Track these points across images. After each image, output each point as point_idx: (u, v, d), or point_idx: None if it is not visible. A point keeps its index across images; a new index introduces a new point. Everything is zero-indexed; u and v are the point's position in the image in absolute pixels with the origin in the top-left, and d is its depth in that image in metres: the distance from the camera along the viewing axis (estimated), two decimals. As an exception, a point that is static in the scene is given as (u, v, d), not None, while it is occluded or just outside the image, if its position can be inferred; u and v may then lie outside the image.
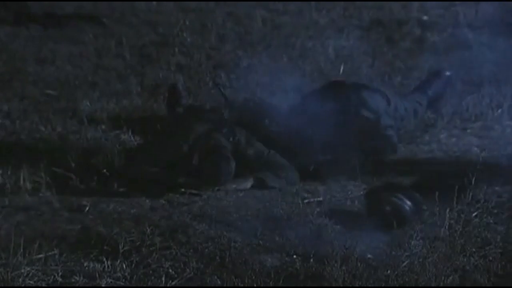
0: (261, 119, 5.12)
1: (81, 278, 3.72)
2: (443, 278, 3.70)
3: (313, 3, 7.88)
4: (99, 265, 3.81)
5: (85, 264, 3.81)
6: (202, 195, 4.56)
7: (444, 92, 5.83)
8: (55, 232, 4.12)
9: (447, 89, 5.85)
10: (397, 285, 3.69)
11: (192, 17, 7.83)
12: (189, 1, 7.77)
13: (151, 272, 3.77)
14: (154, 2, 8.35)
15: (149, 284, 3.70)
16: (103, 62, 6.88)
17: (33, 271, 3.72)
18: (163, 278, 3.72)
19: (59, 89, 6.31)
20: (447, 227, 4.10)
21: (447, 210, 4.22)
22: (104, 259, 3.85)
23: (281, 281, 3.70)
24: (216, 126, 4.92)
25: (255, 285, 3.69)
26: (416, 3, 7.85)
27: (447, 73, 5.90)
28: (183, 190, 4.59)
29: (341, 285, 3.68)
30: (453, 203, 4.29)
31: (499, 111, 5.64)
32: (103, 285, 3.69)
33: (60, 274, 3.74)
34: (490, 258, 3.89)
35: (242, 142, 4.81)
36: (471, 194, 4.46)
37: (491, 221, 4.26)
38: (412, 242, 3.99)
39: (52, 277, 3.72)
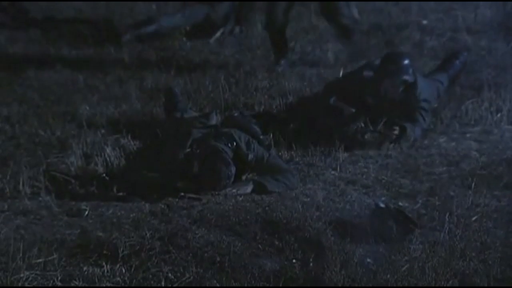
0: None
1: (81, 282, 3.71)
2: (442, 282, 3.70)
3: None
4: (99, 270, 3.80)
5: (84, 269, 3.81)
6: (202, 199, 4.55)
7: (461, 71, 6.05)
8: (55, 236, 4.12)
9: (464, 69, 6.08)
10: (396, 289, 3.70)
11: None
12: (189, 2, 7.75)
13: (150, 276, 3.77)
14: (154, 4, 8.34)
15: (149, 288, 3.70)
16: (102, 66, 6.88)
17: (32, 275, 3.72)
18: (163, 282, 3.72)
19: (59, 93, 6.31)
20: (446, 231, 4.10)
21: (447, 215, 4.22)
22: (104, 263, 3.85)
23: (280, 285, 3.70)
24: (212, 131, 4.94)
25: (254, 289, 3.69)
26: (415, 7, 7.85)
27: (464, 53, 6.18)
28: (182, 194, 4.58)
29: (341, 289, 3.68)
30: (453, 207, 4.30)
31: (499, 115, 5.63)
32: (102, 289, 3.69)
33: (59, 278, 3.74)
34: (490, 262, 3.88)
35: (242, 147, 4.80)
36: (471, 198, 4.47)
37: (491, 225, 4.26)
38: (412, 247, 3.99)
39: (52, 281, 3.72)
